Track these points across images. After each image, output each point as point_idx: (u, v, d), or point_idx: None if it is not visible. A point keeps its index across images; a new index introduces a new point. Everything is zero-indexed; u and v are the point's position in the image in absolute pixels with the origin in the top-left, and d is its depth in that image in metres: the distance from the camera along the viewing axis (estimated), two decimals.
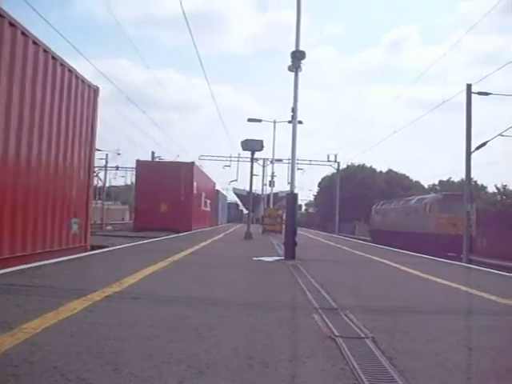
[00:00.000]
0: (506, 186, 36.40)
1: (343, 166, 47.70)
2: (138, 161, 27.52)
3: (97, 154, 30.64)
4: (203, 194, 30.40)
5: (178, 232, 21.04)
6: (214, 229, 31.36)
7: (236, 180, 49.95)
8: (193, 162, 27.20)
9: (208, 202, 32.81)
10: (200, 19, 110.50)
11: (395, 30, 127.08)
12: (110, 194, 58.03)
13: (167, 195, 24.10)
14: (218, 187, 43.02)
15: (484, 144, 19.11)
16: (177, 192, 24.43)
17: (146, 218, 23.65)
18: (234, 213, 68.82)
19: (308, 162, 44.06)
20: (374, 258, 12.08)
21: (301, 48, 10.43)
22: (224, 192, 56.65)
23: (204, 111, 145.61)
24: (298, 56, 10.40)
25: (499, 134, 18.63)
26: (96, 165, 33.66)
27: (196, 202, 26.94)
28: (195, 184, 25.92)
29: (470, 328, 4.12)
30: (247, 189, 29.89)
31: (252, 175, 21.18)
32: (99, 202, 42.69)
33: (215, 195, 40.37)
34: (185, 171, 25.12)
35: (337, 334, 3.54)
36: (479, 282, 7.72)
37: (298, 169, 36.99)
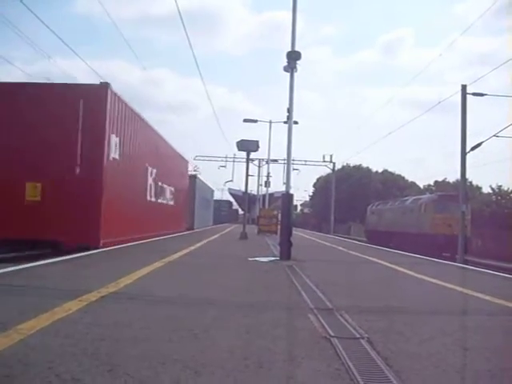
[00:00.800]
0: (500, 186, 36.69)
1: (339, 166, 47.79)
2: None
3: None
4: (151, 171, 16.29)
5: (71, 250, 9.31)
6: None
7: (231, 180, 49.90)
8: (106, 85, 11.30)
9: (169, 189, 19.97)
10: (195, 19, 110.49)
11: (391, 32, 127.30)
12: None
13: (43, 164, 10.70)
14: (191, 169, 30.38)
15: (479, 145, 19.19)
16: (66, 156, 10.82)
17: None
18: (226, 212, 62.52)
19: (303, 163, 44.02)
20: (369, 258, 12.11)
21: (296, 48, 10.45)
22: (219, 193, 55.51)
23: (200, 111, 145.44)
24: (293, 56, 10.40)
25: (494, 135, 18.73)
26: None
27: (120, 180, 12.36)
28: (117, 139, 11.98)
29: (465, 328, 4.14)
30: (243, 189, 29.56)
31: (247, 175, 21.14)
32: None
33: (188, 182, 26.73)
34: (86, 107, 10.90)
35: (332, 334, 3.54)
36: (474, 283, 7.76)
37: (294, 169, 36.79)
